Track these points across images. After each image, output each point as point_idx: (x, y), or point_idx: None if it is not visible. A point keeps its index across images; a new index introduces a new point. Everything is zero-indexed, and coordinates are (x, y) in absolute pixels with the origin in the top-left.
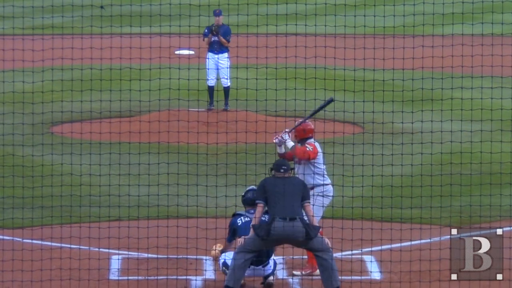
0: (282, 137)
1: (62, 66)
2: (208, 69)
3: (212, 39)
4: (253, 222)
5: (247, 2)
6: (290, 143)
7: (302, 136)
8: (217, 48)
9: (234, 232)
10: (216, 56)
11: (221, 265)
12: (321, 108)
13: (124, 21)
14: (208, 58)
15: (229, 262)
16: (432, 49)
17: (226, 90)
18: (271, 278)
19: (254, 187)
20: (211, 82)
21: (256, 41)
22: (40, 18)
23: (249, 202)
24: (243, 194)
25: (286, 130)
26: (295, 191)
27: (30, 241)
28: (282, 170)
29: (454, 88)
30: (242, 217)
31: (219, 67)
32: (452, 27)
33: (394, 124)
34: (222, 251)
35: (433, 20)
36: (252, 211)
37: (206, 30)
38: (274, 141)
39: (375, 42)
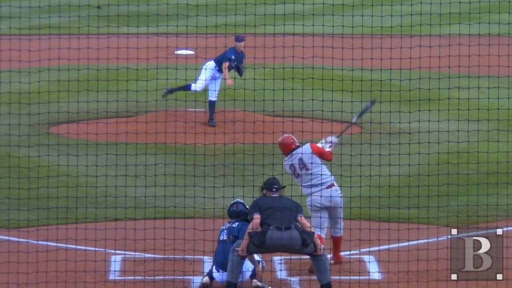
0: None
1: (59, 67)
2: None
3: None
4: (248, 230)
5: (245, 2)
6: (335, 139)
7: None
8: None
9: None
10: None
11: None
12: (366, 110)
13: (121, 21)
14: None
15: (214, 274)
16: (429, 49)
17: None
18: (256, 282)
19: (239, 199)
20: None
21: (254, 41)
22: (37, 18)
23: (233, 215)
24: (228, 207)
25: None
26: (287, 206)
27: (26, 241)
28: (274, 189)
29: (451, 88)
30: (222, 227)
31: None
32: (449, 27)
33: (392, 124)
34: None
35: (430, 20)
36: (234, 221)
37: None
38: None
39: (372, 42)
